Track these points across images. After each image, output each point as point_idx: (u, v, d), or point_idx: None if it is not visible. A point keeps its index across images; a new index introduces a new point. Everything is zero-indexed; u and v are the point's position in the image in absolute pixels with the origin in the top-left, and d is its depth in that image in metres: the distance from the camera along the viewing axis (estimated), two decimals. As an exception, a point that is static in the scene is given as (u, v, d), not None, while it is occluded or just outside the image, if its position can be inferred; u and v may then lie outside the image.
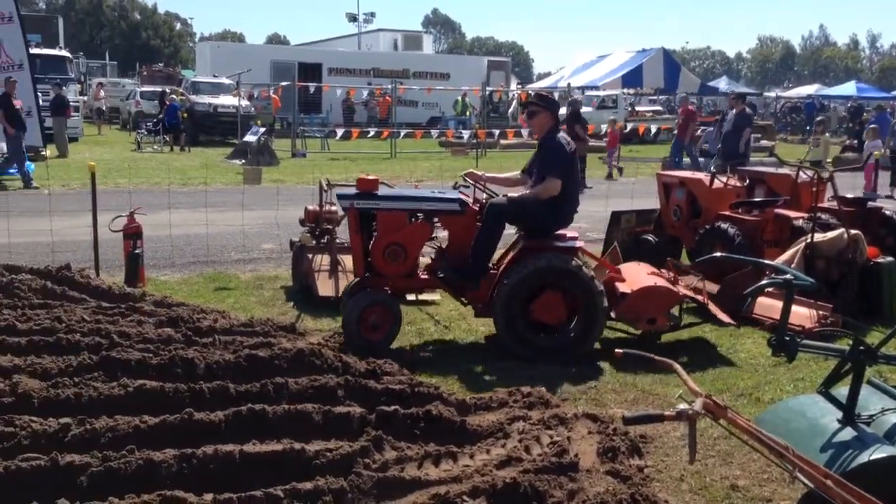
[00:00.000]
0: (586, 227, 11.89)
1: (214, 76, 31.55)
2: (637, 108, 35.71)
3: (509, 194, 6.49)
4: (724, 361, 6.25)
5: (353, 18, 61.06)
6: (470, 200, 6.60)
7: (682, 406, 2.45)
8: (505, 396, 5.16)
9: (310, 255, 7.82)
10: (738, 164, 13.83)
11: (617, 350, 2.96)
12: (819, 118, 18.12)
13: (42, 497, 3.48)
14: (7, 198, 13.07)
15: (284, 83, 28.38)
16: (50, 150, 20.00)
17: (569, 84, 33.92)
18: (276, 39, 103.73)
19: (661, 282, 6.63)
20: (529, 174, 6.60)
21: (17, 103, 15.88)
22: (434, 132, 28.98)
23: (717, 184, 8.81)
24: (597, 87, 37.52)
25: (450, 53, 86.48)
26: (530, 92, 34.10)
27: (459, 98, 33.97)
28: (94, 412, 4.29)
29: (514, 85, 46.89)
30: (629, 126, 28.88)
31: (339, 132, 25.73)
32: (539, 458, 4.14)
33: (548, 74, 65.73)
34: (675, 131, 21.41)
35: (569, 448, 4.28)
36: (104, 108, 33.83)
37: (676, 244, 9.32)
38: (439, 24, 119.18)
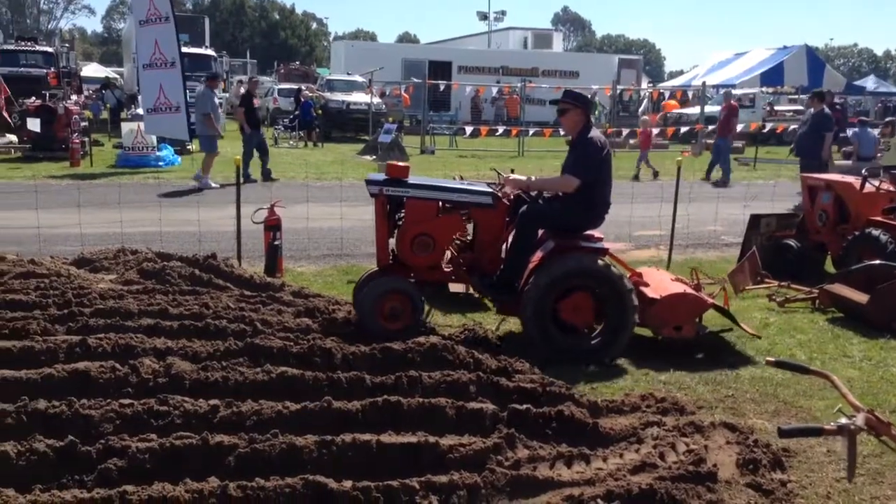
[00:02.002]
0: (721, 230, 11.52)
1: (348, 74, 32.39)
2: (776, 108, 34.27)
3: (517, 178, 6.36)
4: (874, 375, 5.91)
5: (483, 17, 61.40)
6: (501, 195, 6.40)
7: (843, 420, 2.33)
8: (637, 401, 5.07)
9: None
10: (816, 168, 12.94)
11: (768, 358, 2.84)
12: (888, 119, 16.27)
13: (193, 474, 3.66)
14: (161, 188, 13.84)
15: (415, 81, 28.80)
16: (194, 145, 21.05)
17: (703, 83, 32.86)
18: (406, 38, 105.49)
19: (689, 289, 6.44)
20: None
21: (256, 102, 16.75)
22: (562, 130, 28.71)
23: (869, 188, 8.36)
24: (733, 86, 36.24)
25: (579, 52, 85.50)
26: (663, 89, 33.40)
27: (589, 97, 33.52)
28: (240, 395, 4.49)
29: (644, 83, 45.90)
30: (767, 126, 27.77)
31: (468, 129, 25.90)
32: (675, 466, 4.04)
33: (679, 73, 63.98)
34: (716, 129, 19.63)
35: (706, 457, 4.16)
36: (244, 105, 35.22)
37: (820, 250, 8.91)
38: (569, 21, 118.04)
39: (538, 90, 33.25)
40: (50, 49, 30.27)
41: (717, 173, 18.59)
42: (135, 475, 3.63)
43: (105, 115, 27.85)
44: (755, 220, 9.08)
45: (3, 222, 9.35)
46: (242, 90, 17.06)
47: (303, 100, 26.97)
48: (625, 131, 26.76)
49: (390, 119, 24.40)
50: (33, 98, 20.70)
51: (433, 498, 3.62)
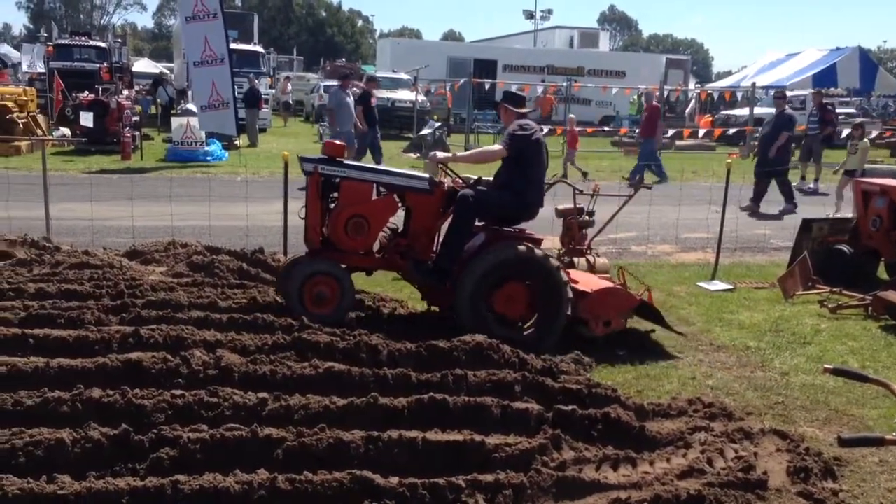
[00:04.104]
0: (770, 233, 11.34)
1: (393, 71, 32.49)
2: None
3: (444, 154, 6.41)
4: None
5: (529, 15, 61.26)
6: (441, 181, 6.39)
7: (906, 431, 2.27)
8: (685, 405, 5.01)
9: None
10: (772, 172, 12.78)
11: (826, 366, 2.79)
12: (858, 121, 15.94)
13: (242, 465, 3.71)
14: (209, 182, 14.03)
15: (461, 80, 28.81)
16: (242, 140, 21.30)
17: (753, 84, 32.32)
18: (451, 36, 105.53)
19: (618, 286, 6.52)
20: None
21: (373, 101, 17.04)
22: (607, 131, 28.51)
23: (925, 193, 8.16)
24: (784, 87, 35.57)
25: (625, 51, 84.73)
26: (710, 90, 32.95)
27: (636, 97, 33.22)
28: (287, 389, 4.54)
29: (692, 84, 45.33)
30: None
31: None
32: (724, 472, 4.00)
33: (728, 73, 63.02)
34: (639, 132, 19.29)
35: (756, 464, 4.10)
36: (291, 101, 35.57)
37: (873, 256, 8.73)
38: (616, 20, 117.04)
39: (583, 90, 33.05)
40: (103, 44, 30.79)
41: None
42: (186, 465, 3.69)
43: (154, 110, 28.34)
44: (807, 224, 8.93)
45: (57, 214, 9.56)
46: (357, 89, 17.30)
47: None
48: (670, 132, 26.48)
49: (434, 117, 24.41)
50: (86, 92, 21.12)
51: (479, 496, 3.62)
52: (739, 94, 32.27)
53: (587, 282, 6.50)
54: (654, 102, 19.88)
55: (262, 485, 3.51)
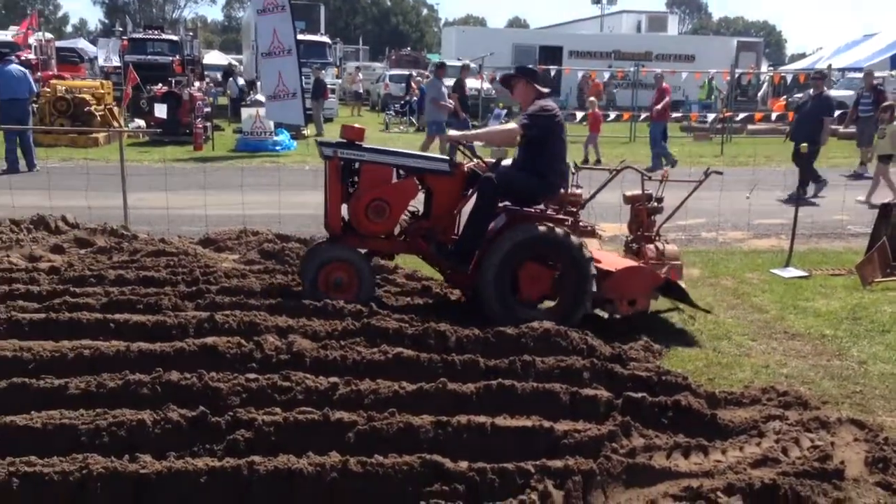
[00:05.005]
0: (847, 219, 11.02)
1: (459, 59, 32.44)
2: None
3: (457, 133, 6.29)
4: None
5: (596, 0, 60.33)
6: (460, 163, 6.31)
7: None
8: (758, 393, 4.91)
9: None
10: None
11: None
12: (887, 103, 14.75)
13: (315, 448, 3.78)
14: (278, 171, 14.27)
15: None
16: (308, 130, 21.58)
17: (829, 65, 31.34)
18: (517, 23, 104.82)
19: (643, 263, 6.40)
20: None
21: (466, 89, 17.38)
22: (676, 116, 27.98)
23: None
24: (860, 69, 34.38)
25: (695, 34, 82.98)
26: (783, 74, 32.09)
27: (705, 81, 32.53)
28: (357, 374, 4.61)
29: (765, 67, 44.14)
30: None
31: (578, 115, 25.54)
32: (799, 462, 3.91)
33: (802, 55, 61.29)
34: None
35: (832, 454, 4.01)
36: (361, 91, 35.87)
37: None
38: (684, 4, 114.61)
39: (651, 75, 32.46)
40: (175, 37, 31.56)
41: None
42: (261, 447, 3.79)
43: (223, 101, 28.89)
44: (886, 209, 8.62)
45: (134, 202, 9.86)
46: (449, 80, 17.68)
47: (415, 86, 27.26)
48: (741, 115, 25.87)
49: (500, 104, 24.33)
50: (160, 85, 21.68)
51: (548, 482, 3.62)
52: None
53: (611, 261, 6.45)
54: (664, 84, 18.73)
55: (335, 467, 3.57)
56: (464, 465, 3.67)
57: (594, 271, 5.98)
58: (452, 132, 6.37)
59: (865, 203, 12.21)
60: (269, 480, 3.51)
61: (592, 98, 21.11)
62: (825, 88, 13.41)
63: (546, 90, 6.47)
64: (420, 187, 6.31)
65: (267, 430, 3.88)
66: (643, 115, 24.30)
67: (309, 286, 6.01)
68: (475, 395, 4.40)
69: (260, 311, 5.58)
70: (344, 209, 6.25)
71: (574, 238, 6.01)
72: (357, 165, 6.17)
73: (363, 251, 6.26)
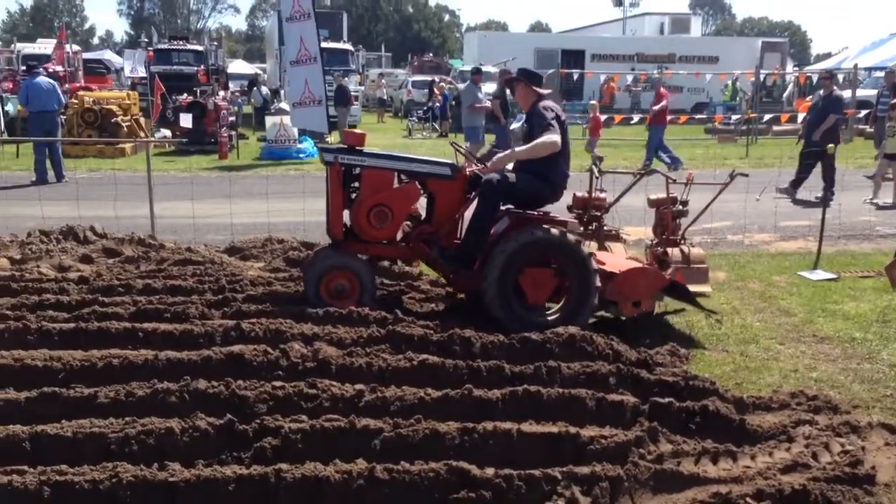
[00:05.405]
0: (876, 220, 10.88)
1: (481, 65, 32.47)
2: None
3: (498, 154, 6.21)
4: None
5: (618, 2, 60.24)
6: (462, 167, 6.28)
7: None
8: (787, 398, 4.87)
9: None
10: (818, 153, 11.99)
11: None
12: (894, 101, 14.27)
13: (341, 455, 3.80)
14: (302, 179, 14.34)
15: (549, 71, 28.60)
16: (332, 137, 21.70)
17: (855, 65, 30.96)
18: (538, 27, 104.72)
19: (647, 265, 6.36)
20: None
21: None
22: (699, 118, 27.81)
23: None
24: (884, 69, 33.92)
25: (718, 35, 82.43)
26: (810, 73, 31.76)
27: (730, 83, 32.29)
28: (383, 381, 4.62)
29: (790, 67, 43.74)
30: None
31: (602, 118, 25.42)
32: (829, 467, 3.87)
33: (827, 56, 60.58)
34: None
35: (863, 459, 3.96)
36: (385, 98, 35.99)
37: None
38: (708, 4, 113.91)
39: (675, 77, 32.31)
40: (200, 47, 31.80)
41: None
42: (288, 454, 3.81)
43: (248, 109, 29.10)
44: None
45: (160, 212, 9.96)
46: (491, 85, 17.79)
47: (438, 92, 27.31)
48: (766, 116, 25.64)
49: (522, 110, 24.29)
50: (185, 94, 21.90)
51: (575, 489, 3.61)
52: (841, 77, 30.95)
53: (615, 262, 6.41)
54: (662, 89, 18.74)
55: (361, 474, 3.59)
56: (490, 471, 3.67)
57: (595, 266, 5.98)
58: (499, 155, 6.28)
59: (872, 204, 12.15)
60: (297, 488, 3.53)
61: (594, 102, 21.01)
62: (835, 88, 13.30)
63: (546, 92, 6.49)
64: (422, 191, 6.33)
65: (294, 438, 3.90)
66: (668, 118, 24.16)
67: (312, 294, 6.04)
68: (501, 402, 4.40)
69: (286, 318, 5.61)
70: (346, 215, 6.28)
71: (571, 237, 6.00)
72: (358, 171, 6.19)
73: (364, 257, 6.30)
